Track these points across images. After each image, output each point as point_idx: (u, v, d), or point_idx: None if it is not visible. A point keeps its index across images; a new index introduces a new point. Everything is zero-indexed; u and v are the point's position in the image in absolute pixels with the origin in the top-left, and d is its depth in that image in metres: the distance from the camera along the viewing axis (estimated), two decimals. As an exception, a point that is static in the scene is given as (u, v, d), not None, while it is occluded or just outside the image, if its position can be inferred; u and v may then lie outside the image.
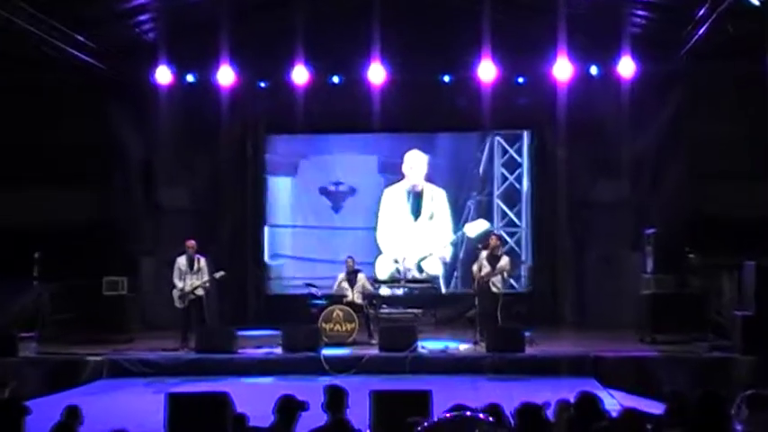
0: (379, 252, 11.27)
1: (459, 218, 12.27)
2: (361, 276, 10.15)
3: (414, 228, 12.12)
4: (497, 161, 12.37)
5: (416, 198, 12.18)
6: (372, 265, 11.33)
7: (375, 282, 10.88)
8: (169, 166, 11.56)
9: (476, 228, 12.31)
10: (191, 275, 9.56)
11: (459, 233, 12.24)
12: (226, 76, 10.65)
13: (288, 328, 9.17)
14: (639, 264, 10.20)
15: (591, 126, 11.01)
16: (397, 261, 11.09)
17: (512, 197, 12.36)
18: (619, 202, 11.23)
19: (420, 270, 11.72)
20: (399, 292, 10.86)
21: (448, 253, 11.94)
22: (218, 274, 9.61)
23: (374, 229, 12.14)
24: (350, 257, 10.22)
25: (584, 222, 11.47)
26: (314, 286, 10.11)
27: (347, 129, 11.92)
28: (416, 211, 12.14)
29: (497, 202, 12.40)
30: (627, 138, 11.07)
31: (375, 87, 10.75)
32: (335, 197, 12.29)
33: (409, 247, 11.90)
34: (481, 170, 12.36)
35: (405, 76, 10.75)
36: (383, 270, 11.70)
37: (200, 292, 9.61)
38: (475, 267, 9.64)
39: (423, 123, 11.86)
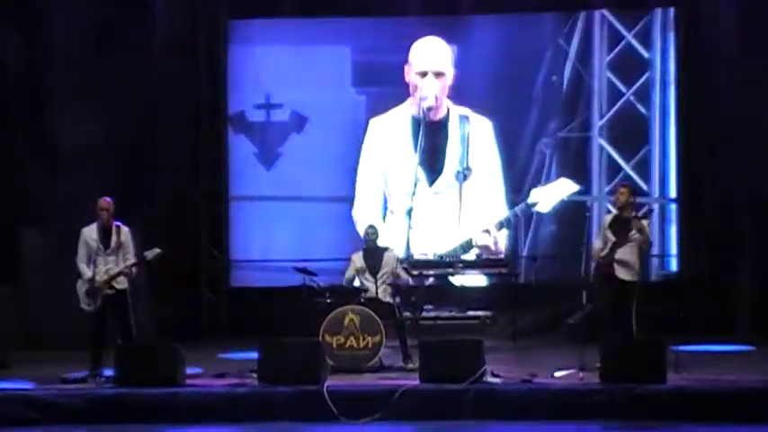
0: (361, 244, 10.38)
1: (519, 175, 12.00)
2: (389, 257, 10.03)
3: (428, 197, 11.86)
4: (600, 60, 11.93)
5: (434, 135, 11.76)
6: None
7: (413, 265, 10.67)
8: (69, 86, 11.79)
9: (554, 193, 11.64)
10: (105, 257, 9.44)
11: (522, 205, 11.65)
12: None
13: (267, 344, 8.97)
14: None
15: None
16: (402, 261, 10.71)
17: (631, 132, 12.07)
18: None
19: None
20: (455, 282, 10.85)
21: (498, 240, 11.78)
22: (151, 254, 9.37)
23: (347, 201, 12.18)
24: (371, 227, 10.12)
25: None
26: (310, 273, 10.02)
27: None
28: (434, 162, 11.81)
29: (600, 142, 12.01)
30: None
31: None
32: (265, 134, 12.56)
33: (419, 237, 11.75)
34: (565, 80, 11.90)
35: None
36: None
37: (121, 283, 9.44)
38: (597, 243, 9.34)
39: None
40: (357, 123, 12.32)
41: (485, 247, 11.51)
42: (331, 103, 12.34)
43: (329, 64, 12.34)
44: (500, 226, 11.67)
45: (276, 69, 12.47)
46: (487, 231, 11.58)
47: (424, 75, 11.77)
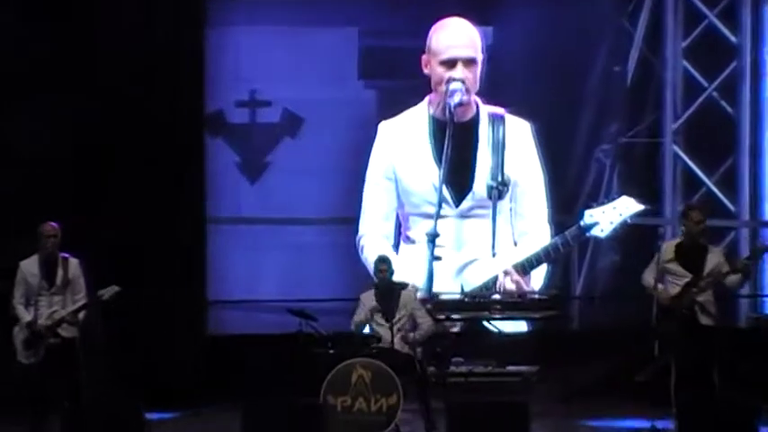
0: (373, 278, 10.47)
1: (569, 191, 11.98)
2: (407, 297, 10.21)
3: (454, 220, 11.71)
4: (674, 46, 12.05)
5: (461, 140, 11.58)
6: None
7: (438, 307, 10.70)
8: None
9: (615, 215, 11.33)
10: (50, 297, 9.60)
11: (573, 230, 11.30)
12: None
13: (254, 407, 9.22)
14: None
15: None
16: (424, 302, 10.63)
17: (714, 137, 12.13)
18: None
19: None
20: (491, 328, 10.84)
21: (521, 286, 11.44)
22: (108, 292, 9.58)
23: (351, 224, 11.98)
24: (383, 261, 10.25)
25: None
26: (308, 316, 10.20)
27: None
28: (462, 176, 11.67)
29: (674, 150, 12.11)
30: None
31: None
32: (250, 139, 12.70)
33: (445, 270, 11.52)
34: (630, 72, 12.01)
35: None
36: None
37: (69, 330, 9.60)
38: (648, 276, 9.54)
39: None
40: (365, 126, 12.23)
41: (508, 294, 11.39)
42: (332, 100, 12.40)
43: (331, 51, 12.40)
44: (523, 269, 11.41)
45: (264, 58, 12.51)
46: (507, 274, 11.41)
47: (451, 64, 11.59)
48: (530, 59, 12.05)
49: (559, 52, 12.04)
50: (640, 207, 11.23)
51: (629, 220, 11.20)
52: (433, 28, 11.74)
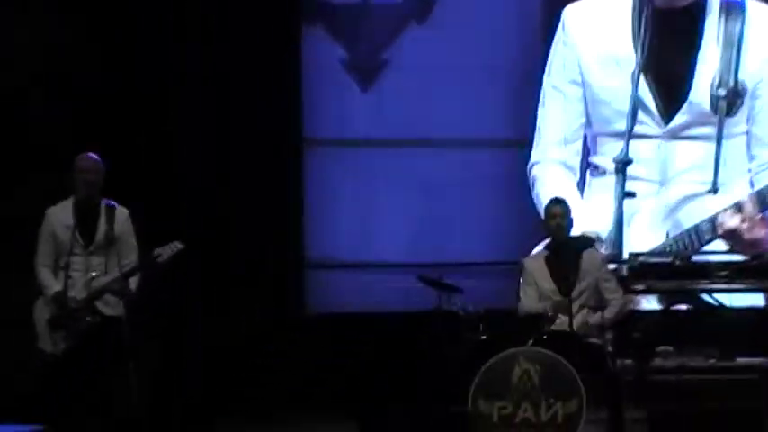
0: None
1: None
2: (592, 260, 10.39)
3: (660, 141, 12.03)
4: None
5: (675, 32, 12.02)
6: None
7: (636, 273, 10.52)
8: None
9: None
10: (85, 258, 9.70)
11: None
12: None
13: (372, 414, 9.80)
14: None
15: None
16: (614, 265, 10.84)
17: None
18: None
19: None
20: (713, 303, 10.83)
21: (757, 224, 11.87)
22: (167, 251, 9.75)
23: (513, 148, 12.47)
24: (559, 204, 10.36)
25: None
26: (450, 288, 10.48)
27: None
28: (673, 79, 12.03)
29: None
30: None
31: None
32: (360, 27, 12.99)
33: (642, 218, 11.99)
34: None
35: None
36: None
37: (113, 306, 9.72)
38: None
39: None
40: (532, 9, 12.58)
41: (729, 234, 11.55)
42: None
43: None
44: (763, 201, 11.62)
45: None
46: (737, 208, 11.60)
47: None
48: None
49: None
50: None
51: None
52: None
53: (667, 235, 11.49)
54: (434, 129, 12.57)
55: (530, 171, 12.00)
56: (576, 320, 9.92)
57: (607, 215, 11.41)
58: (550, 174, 11.90)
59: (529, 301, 10.17)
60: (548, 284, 10.16)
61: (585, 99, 12.01)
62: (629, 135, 11.50)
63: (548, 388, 9.46)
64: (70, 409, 9.57)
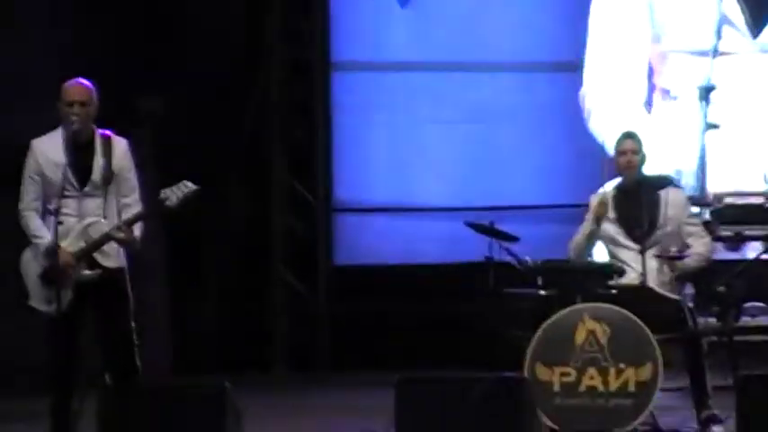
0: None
1: None
2: (673, 200, 10.44)
3: (746, 59, 12.33)
4: None
5: None
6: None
7: (721, 217, 10.95)
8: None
9: None
10: (79, 201, 9.61)
11: None
12: None
13: (412, 381, 9.70)
14: None
15: None
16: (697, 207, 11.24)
17: None
18: None
19: None
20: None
21: None
22: (176, 193, 9.60)
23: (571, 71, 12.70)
24: (629, 137, 10.45)
25: None
26: (502, 235, 10.68)
27: None
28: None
29: None
30: None
31: None
32: None
33: (725, 151, 12.28)
34: None
35: None
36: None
37: (115, 257, 9.67)
38: None
39: None
40: None
41: None
42: None
43: None
44: None
45: None
46: None
47: None
48: None
49: None
50: None
51: None
52: None
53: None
54: (477, 52, 12.78)
55: (582, 100, 12.22)
56: (651, 272, 9.91)
57: (681, 148, 11.45)
58: (610, 100, 12.04)
59: (581, 235, 10.28)
60: (613, 229, 10.16)
61: (652, 11, 12.18)
62: (716, 51, 11.72)
63: (617, 352, 9.55)
64: (69, 370, 9.53)
